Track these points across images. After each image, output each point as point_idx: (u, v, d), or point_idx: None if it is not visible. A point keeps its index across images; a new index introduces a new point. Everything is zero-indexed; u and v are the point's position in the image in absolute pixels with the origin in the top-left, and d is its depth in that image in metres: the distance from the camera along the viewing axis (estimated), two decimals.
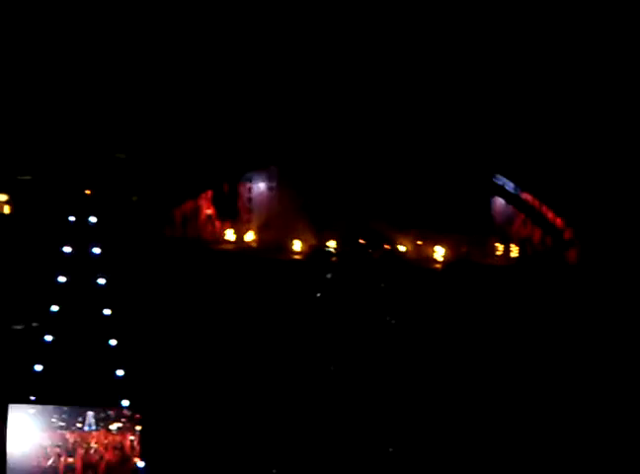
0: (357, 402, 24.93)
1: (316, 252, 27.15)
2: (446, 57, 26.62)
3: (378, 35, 26.54)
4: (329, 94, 26.97)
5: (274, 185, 27.92)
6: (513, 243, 27.47)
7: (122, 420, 23.01)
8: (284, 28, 26.54)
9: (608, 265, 25.88)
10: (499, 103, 26.89)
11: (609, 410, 24.46)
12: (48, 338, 23.60)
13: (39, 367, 23.40)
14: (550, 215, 27.49)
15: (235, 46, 26.71)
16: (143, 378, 23.95)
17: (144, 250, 25.97)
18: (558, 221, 27.42)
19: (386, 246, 27.06)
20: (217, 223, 27.51)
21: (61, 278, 23.89)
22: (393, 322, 25.63)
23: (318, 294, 26.17)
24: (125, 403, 23.34)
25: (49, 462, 22.63)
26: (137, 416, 22.93)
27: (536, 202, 27.43)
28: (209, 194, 27.46)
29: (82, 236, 24.24)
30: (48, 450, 22.64)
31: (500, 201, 27.85)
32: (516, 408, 24.78)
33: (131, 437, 22.86)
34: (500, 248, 27.56)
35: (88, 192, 24.82)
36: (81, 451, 22.88)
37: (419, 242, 27.28)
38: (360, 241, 27.06)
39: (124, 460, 22.84)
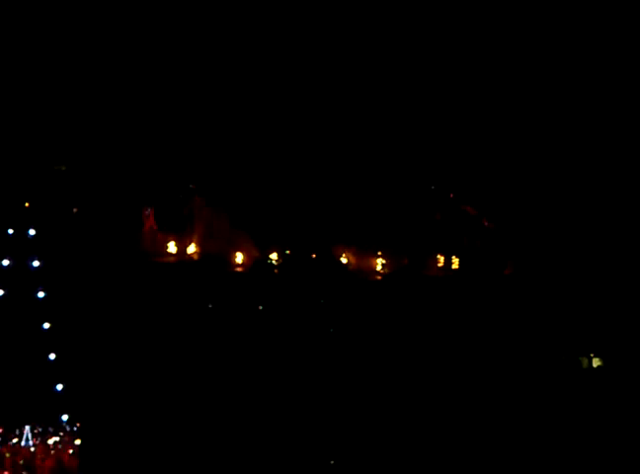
0: (296, 412, 25.16)
1: (258, 264, 27.29)
2: (387, 72, 26.88)
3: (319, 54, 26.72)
4: (272, 105, 27.17)
5: (215, 199, 27.83)
6: (453, 255, 27.88)
7: (61, 434, 23.00)
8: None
9: (541, 275, 26.27)
10: (440, 115, 27.29)
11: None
12: None
13: None
14: (488, 226, 27.91)
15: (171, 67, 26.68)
16: (83, 392, 23.78)
17: (84, 262, 25.86)
18: (495, 232, 27.86)
19: (329, 258, 27.35)
20: (159, 236, 27.50)
21: None
22: (332, 331, 25.89)
23: (260, 307, 26.18)
24: (65, 417, 23.19)
25: None
26: (76, 429, 22.87)
27: (475, 213, 27.76)
28: (152, 206, 27.45)
29: (21, 249, 24.09)
30: None
31: (442, 214, 28.26)
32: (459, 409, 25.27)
33: (70, 451, 22.81)
34: (441, 260, 27.95)
35: (27, 204, 24.69)
36: (18, 466, 22.73)
37: (361, 254, 27.57)
38: (303, 253, 27.34)
39: None
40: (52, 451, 22.85)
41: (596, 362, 25.14)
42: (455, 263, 27.70)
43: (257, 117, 27.23)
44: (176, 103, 26.93)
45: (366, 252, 27.55)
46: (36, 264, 23.96)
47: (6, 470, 22.70)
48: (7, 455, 22.69)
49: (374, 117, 27.33)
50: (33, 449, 22.76)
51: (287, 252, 27.05)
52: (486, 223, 27.70)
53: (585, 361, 25.21)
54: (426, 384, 25.37)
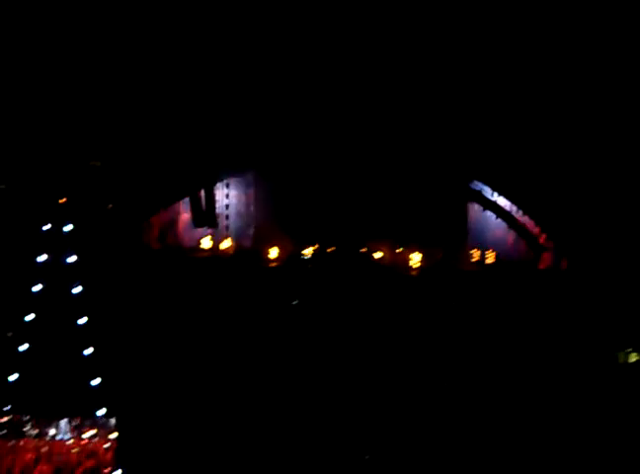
0: (335, 410, 25.19)
1: (292, 259, 27.22)
2: (421, 66, 26.70)
3: (347, 47, 26.56)
4: (306, 102, 27.08)
5: (250, 191, 27.99)
6: (488, 249, 27.63)
7: (97, 427, 23.28)
8: (259, 33, 26.58)
9: (582, 270, 26.00)
10: (475, 110, 27.04)
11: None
12: (23, 347, 23.78)
13: (13, 377, 23.54)
14: (526, 221, 27.65)
15: (209, 52, 26.69)
16: (119, 387, 24.11)
17: (120, 258, 26.03)
18: (534, 227, 27.58)
19: (363, 253, 27.23)
20: (194, 231, 27.59)
21: (36, 287, 23.99)
22: (368, 326, 25.85)
23: (295, 302, 26.20)
24: (101, 412, 23.43)
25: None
26: (112, 423, 23.17)
27: (513, 209, 27.63)
28: (186, 201, 27.53)
29: (57, 244, 24.39)
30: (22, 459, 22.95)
31: (476, 208, 28.08)
32: (498, 411, 25.15)
33: (106, 445, 23.06)
34: (475, 254, 27.69)
35: (62, 200, 24.97)
36: (55, 460, 23.07)
37: (395, 249, 27.47)
38: (337, 248, 27.31)
39: (99, 468, 23.01)
40: (88, 445, 23.14)
41: (633, 358, 24.89)
42: (490, 257, 27.51)
43: (289, 112, 27.11)
44: (211, 99, 26.92)
45: (401, 246, 27.43)
46: (72, 259, 24.23)
47: (43, 464, 23.18)
48: (43, 450, 23.25)
49: (409, 109, 27.12)
50: (69, 443, 23.12)
51: (316, 247, 26.98)
52: (520, 218, 27.46)
53: (622, 356, 24.98)
54: (463, 380, 25.43)
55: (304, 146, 26.87)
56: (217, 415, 24.86)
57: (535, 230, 27.40)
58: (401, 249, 27.51)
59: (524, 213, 27.39)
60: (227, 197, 28.01)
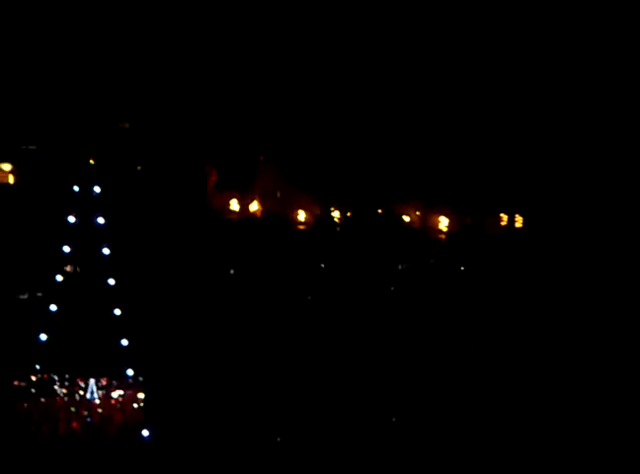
0: (361, 375, 25.17)
1: (320, 222, 27.17)
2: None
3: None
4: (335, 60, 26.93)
5: (276, 158, 27.70)
6: (517, 213, 27.21)
7: (125, 388, 23.56)
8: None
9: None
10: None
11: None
12: (53, 307, 24.05)
13: (43, 337, 23.87)
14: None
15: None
16: (147, 348, 24.34)
17: (149, 219, 26.15)
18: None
19: (391, 216, 27.11)
20: (222, 193, 27.50)
21: (66, 248, 24.27)
22: (393, 289, 25.68)
23: (322, 265, 26.22)
24: (130, 372, 23.71)
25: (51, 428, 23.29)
26: (140, 383, 23.46)
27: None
28: (215, 164, 27.43)
29: (86, 206, 24.53)
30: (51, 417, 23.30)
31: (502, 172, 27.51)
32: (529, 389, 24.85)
33: (135, 405, 23.39)
34: (504, 218, 27.31)
35: (92, 161, 25.04)
36: (83, 419, 23.38)
37: (423, 212, 27.26)
38: (366, 210, 27.10)
39: (128, 428, 23.38)
40: (117, 405, 23.45)
41: None
42: (519, 221, 27.04)
43: (314, 75, 27.04)
44: (242, 61, 26.85)
45: (430, 209, 27.22)
46: (101, 221, 24.35)
47: (72, 422, 23.50)
48: (72, 409, 23.57)
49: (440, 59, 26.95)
50: (98, 402, 23.38)
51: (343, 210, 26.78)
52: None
53: None
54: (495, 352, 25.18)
55: (328, 107, 26.67)
56: (245, 381, 24.93)
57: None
58: (428, 212, 27.25)
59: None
60: (254, 160, 27.82)
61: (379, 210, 27.22)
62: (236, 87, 26.75)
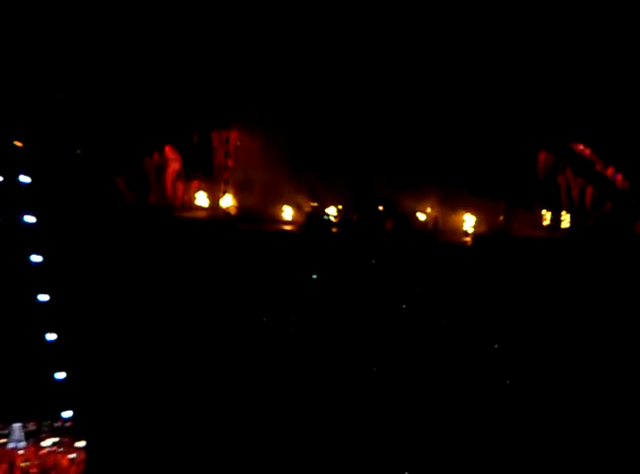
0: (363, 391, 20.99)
1: (312, 221, 23.50)
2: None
3: None
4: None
5: (257, 133, 23.76)
6: (564, 210, 23.68)
7: (60, 434, 19.31)
8: None
9: None
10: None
11: None
12: None
13: None
14: (611, 174, 23.58)
15: None
16: (90, 382, 20.01)
17: (91, 219, 21.84)
18: (621, 181, 23.47)
19: (402, 214, 23.35)
20: (186, 184, 23.67)
21: None
22: (405, 308, 22.05)
23: (314, 276, 22.01)
24: (67, 414, 19.34)
25: None
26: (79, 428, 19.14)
27: (594, 158, 23.16)
28: (175, 146, 23.40)
29: (11, 201, 20.11)
30: None
31: (548, 158, 23.87)
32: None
33: (71, 456, 19.17)
34: (547, 217, 23.81)
35: (19, 143, 20.83)
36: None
37: (443, 209, 23.71)
38: (369, 207, 23.41)
39: None
40: (48, 456, 19.13)
41: None
42: (566, 220, 23.57)
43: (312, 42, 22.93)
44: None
45: (452, 206, 23.52)
46: (30, 219, 19.75)
47: None
48: None
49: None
50: (22, 452, 18.99)
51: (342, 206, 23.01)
52: (609, 171, 23.10)
53: None
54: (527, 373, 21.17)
55: (324, 74, 22.80)
56: (205, 412, 20.37)
57: (625, 186, 23.17)
58: (450, 209, 23.67)
59: (609, 165, 23.29)
60: (227, 142, 23.76)
61: (381, 208, 23.63)
62: (204, 49, 22.53)
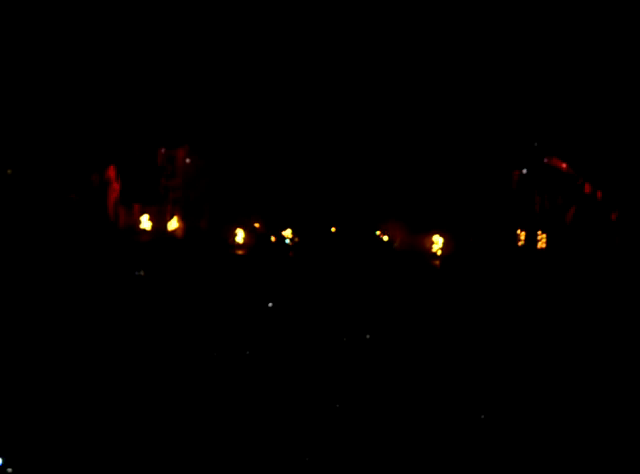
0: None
1: (265, 245, 21.44)
2: None
3: None
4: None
5: (206, 151, 21.75)
6: (539, 229, 22.03)
7: None
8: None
9: None
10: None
11: None
12: None
13: None
14: (589, 189, 21.95)
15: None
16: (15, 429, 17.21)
17: (22, 244, 19.85)
18: (600, 196, 21.84)
19: (364, 235, 21.47)
20: (124, 207, 21.63)
21: None
22: (369, 337, 19.67)
23: (270, 304, 19.79)
24: None
25: None
26: None
27: (571, 172, 21.71)
28: (116, 165, 21.38)
29: None
30: None
31: (521, 173, 22.13)
32: None
33: None
34: (522, 236, 22.08)
35: None
36: None
37: (410, 230, 21.90)
38: (328, 229, 21.46)
39: None
40: None
41: None
42: (542, 240, 21.79)
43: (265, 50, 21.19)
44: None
45: (418, 227, 21.73)
46: None
47: None
48: None
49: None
50: None
51: (300, 228, 21.07)
52: (587, 186, 21.50)
53: None
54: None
55: (279, 89, 20.89)
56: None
57: (604, 201, 21.59)
58: (417, 229, 21.77)
59: (587, 179, 21.60)
60: (173, 160, 21.75)
61: (347, 229, 21.57)
62: (147, 59, 20.52)
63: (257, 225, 21.49)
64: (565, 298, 20.02)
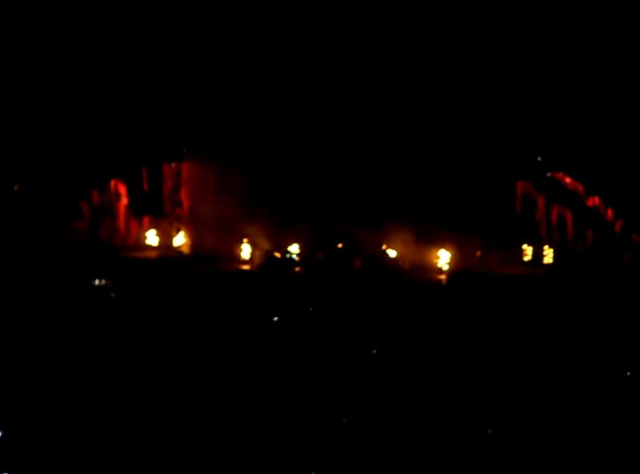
0: None
1: (272, 260, 21.64)
2: None
3: None
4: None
5: (211, 165, 22.07)
6: (546, 244, 22.22)
7: None
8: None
9: None
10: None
11: None
12: None
13: None
14: (596, 204, 22.01)
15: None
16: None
17: (31, 259, 19.88)
18: (606, 211, 21.92)
19: (371, 250, 21.64)
20: (133, 221, 21.88)
21: None
22: (375, 353, 19.72)
23: (275, 318, 19.92)
24: None
25: None
26: None
27: (579, 188, 21.61)
28: (123, 181, 21.68)
29: None
30: None
31: (527, 188, 22.44)
32: None
33: None
34: (528, 251, 22.19)
35: None
36: None
37: (416, 245, 22.08)
38: (335, 244, 21.71)
39: None
40: None
41: None
42: (549, 255, 22.04)
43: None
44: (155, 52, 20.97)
45: (424, 242, 21.86)
46: None
47: None
48: None
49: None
50: None
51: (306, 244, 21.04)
52: (592, 202, 21.58)
53: None
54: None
55: (282, 104, 21.04)
56: None
57: (609, 216, 21.63)
58: (423, 245, 21.97)
59: (594, 194, 21.80)
60: (179, 175, 22.06)
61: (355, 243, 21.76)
62: (154, 79, 20.84)
63: (263, 241, 21.60)
64: (570, 312, 20.07)
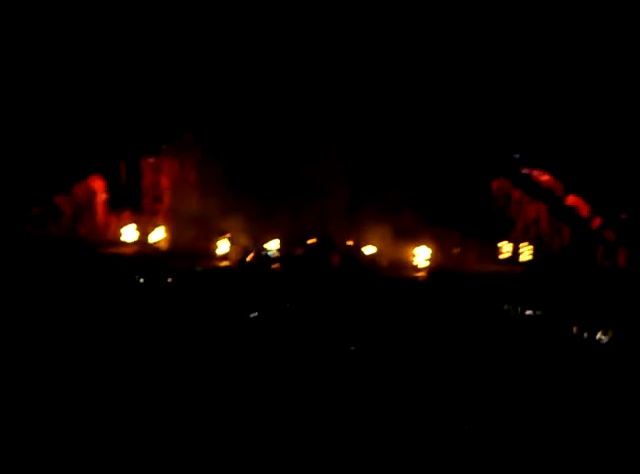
0: None
1: (251, 256, 21.53)
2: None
3: None
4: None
5: (190, 160, 21.87)
6: (524, 241, 22.15)
7: None
8: None
9: None
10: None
11: None
12: None
13: None
14: (573, 201, 21.98)
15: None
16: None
17: (7, 257, 19.72)
18: (582, 208, 21.91)
19: (348, 246, 21.58)
20: (111, 217, 21.59)
21: None
22: (353, 349, 19.72)
23: (253, 314, 19.85)
24: None
25: None
26: None
27: (556, 185, 21.69)
28: (102, 176, 21.47)
29: None
30: None
31: (503, 185, 22.38)
32: None
33: None
34: (506, 248, 22.19)
35: None
36: None
37: (395, 241, 21.88)
38: (312, 240, 21.60)
39: None
40: None
41: None
42: (526, 253, 22.11)
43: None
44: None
45: (401, 238, 21.70)
46: None
47: None
48: None
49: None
50: None
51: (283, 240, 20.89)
52: (569, 199, 21.63)
53: None
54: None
55: (263, 102, 20.85)
56: None
57: (586, 213, 21.68)
58: (400, 241, 21.83)
59: (571, 191, 21.73)
60: (158, 170, 21.83)
61: (332, 241, 21.65)
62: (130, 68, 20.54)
63: (241, 237, 21.51)
64: (550, 308, 20.09)
